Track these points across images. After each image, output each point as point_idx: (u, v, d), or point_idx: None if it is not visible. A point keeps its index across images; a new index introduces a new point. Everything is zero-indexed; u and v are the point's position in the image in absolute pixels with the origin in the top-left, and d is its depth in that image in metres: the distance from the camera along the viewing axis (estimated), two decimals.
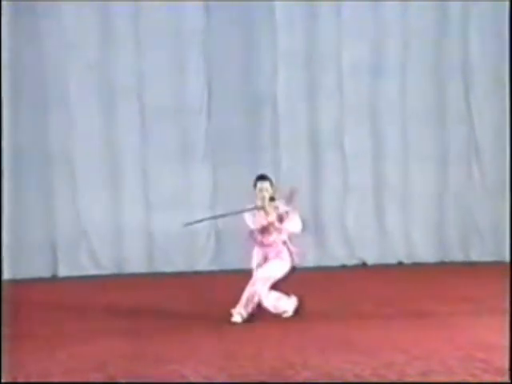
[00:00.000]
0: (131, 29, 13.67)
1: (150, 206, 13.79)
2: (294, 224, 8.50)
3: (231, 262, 13.76)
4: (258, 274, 8.50)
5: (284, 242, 8.66)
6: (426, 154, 14.40)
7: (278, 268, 8.60)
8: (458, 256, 14.40)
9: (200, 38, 13.85)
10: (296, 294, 8.94)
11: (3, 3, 12.84)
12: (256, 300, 8.45)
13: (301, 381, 5.95)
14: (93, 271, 13.60)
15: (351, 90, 14.21)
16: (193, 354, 6.96)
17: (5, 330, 8.22)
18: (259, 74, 14.02)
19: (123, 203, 13.76)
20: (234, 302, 8.55)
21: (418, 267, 13.86)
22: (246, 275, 12.95)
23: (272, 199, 8.49)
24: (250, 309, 8.44)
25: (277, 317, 8.72)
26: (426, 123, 14.41)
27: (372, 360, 6.46)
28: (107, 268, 13.70)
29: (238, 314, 8.43)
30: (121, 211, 13.78)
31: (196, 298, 10.52)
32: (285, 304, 8.69)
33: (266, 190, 8.52)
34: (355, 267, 14.06)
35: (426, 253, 14.37)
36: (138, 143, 13.81)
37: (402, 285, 11.58)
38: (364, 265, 14.24)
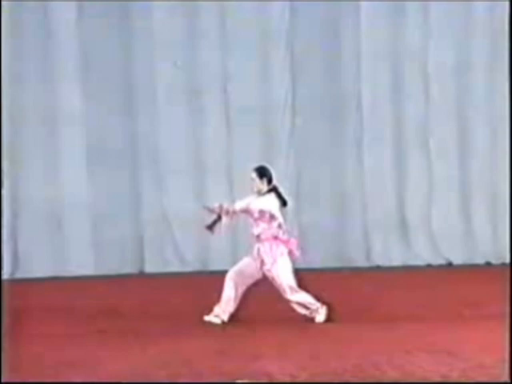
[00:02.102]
0: (217, 29, 13.79)
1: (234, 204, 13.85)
2: (258, 202, 8.28)
3: (314, 261, 13.75)
4: (284, 285, 8.34)
5: (275, 237, 8.40)
6: None
7: (287, 268, 8.38)
8: None
9: (285, 38, 13.87)
10: (382, 294, 8.87)
11: (3, 3, 13.08)
12: (306, 300, 8.38)
13: (386, 380, 5.92)
14: (178, 268, 13.77)
15: (437, 88, 14.03)
16: (278, 351, 6.98)
17: (90, 327, 8.40)
18: (344, 72, 13.97)
19: (208, 201, 13.85)
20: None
21: (506, 268, 13.56)
22: (329, 274, 12.99)
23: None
24: (315, 306, 8.39)
25: (361, 317, 8.68)
26: None
27: (459, 361, 6.37)
28: (192, 265, 13.85)
29: (318, 313, 8.38)
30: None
31: (279, 296, 10.54)
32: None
33: (253, 180, 8.44)
34: (441, 267, 13.87)
35: None
36: (224, 141, 13.92)
37: (490, 286, 11.35)
38: (450, 265, 14.04)
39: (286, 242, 8.41)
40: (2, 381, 6.00)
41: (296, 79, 13.97)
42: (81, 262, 13.51)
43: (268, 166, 8.67)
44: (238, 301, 8.47)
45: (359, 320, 8.52)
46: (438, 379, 5.89)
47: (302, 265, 13.66)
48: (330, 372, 6.14)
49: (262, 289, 11.56)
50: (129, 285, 12.64)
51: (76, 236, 13.62)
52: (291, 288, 8.37)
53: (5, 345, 7.11)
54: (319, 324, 8.33)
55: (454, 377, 5.93)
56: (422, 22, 13.98)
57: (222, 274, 13.36)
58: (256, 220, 8.37)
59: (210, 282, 12.57)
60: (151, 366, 6.45)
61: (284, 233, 8.45)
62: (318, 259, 13.76)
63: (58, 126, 13.66)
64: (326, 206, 14.00)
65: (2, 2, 13.07)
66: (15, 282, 13.11)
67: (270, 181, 8.48)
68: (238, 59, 13.75)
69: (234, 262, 13.81)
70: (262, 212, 8.31)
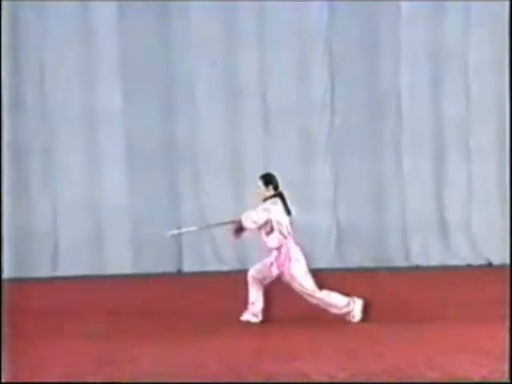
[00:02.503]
0: (256, 28, 13.81)
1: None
2: (247, 215, 8.38)
3: (353, 261, 13.71)
4: (303, 290, 8.39)
5: (278, 248, 8.48)
6: None
7: (300, 272, 8.41)
8: None
9: (324, 37, 13.85)
10: (421, 294, 8.80)
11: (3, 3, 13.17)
12: (328, 301, 8.36)
13: (424, 381, 5.87)
14: (216, 267, 13.80)
15: (477, 88, 13.89)
16: (315, 351, 6.97)
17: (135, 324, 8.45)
18: (383, 72, 13.91)
19: (246, 199, 13.85)
20: None
21: None
22: (367, 274, 12.94)
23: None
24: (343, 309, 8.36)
25: (400, 316, 8.63)
26: None
27: (500, 363, 6.29)
28: (230, 264, 13.87)
29: (351, 309, 8.35)
30: (243, 207, 13.86)
31: None
32: None
33: (259, 187, 8.53)
34: (481, 267, 13.74)
35: None
36: (262, 141, 13.93)
37: None
38: (490, 265, 13.91)
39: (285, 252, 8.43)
40: (3, 381, 6.01)
41: (334, 79, 13.94)
42: (119, 261, 13.61)
43: (274, 173, 8.71)
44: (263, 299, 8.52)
45: (397, 320, 8.47)
46: (477, 380, 5.83)
47: (340, 264, 13.77)
48: (368, 372, 6.11)
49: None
50: (167, 284, 12.70)
51: (115, 235, 13.73)
52: (312, 291, 8.36)
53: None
54: (356, 323, 8.30)
55: (493, 378, 5.87)
56: (462, 21, 13.85)
57: None
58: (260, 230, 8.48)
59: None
60: (188, 365, 6.47)
61: (286, 238, 8.44)
62: (357, 259, 13.73)
63: (97, 125, 13.79)
64: (365, 206, 13.95)
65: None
66: (55, 280, 13.28)
67: (275, 188, 8.54)
68: (276, 59, 13.76)
69: None
70: (264, 224, 8.43)
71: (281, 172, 13.72)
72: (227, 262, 13.88)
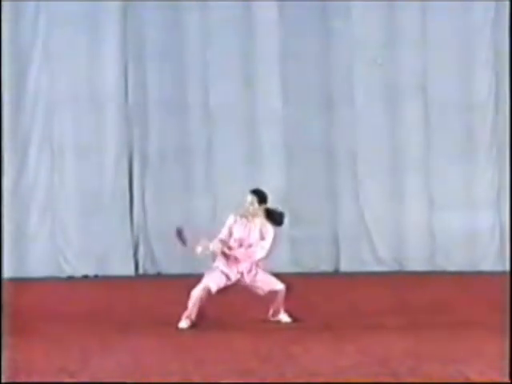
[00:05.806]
0: (417, 26, 13.61)
1: (432, 204, 13.66)
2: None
3: None
4: None
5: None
6: None
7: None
8: None
9: (488, 35, 13.47)
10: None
11: (3, 3, 13.27)
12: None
13: None
14: (374, 267, 13.72)
15: None
16: (476, 354, 6.78)
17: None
18: None
19: (405, 200, 13.76)
20: None
21: None
22: None
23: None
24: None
25: None
26: None
27: None
28: (388, 265, 13.75)
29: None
30: (403, 208, 13.78)
31: (476, 299, 10.26)
32: None
33: (252, 203, 8.39)
34: None
35: None
36: (422, 140, 13.74)
37: None
38: None
39: None
40: (2, 381, 6.00)
41: (499, 77, 13.53)
42: (278, 260, 13.72)
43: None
44: None
45: None
46: None
47: (503, 267, 13.33)
48: None
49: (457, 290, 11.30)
50: (323, 283, 12.73)
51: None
52: None
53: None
54: None
55: None
56: None
57: (419, 274, 13.30)
58: None
59: (406, 282, 12.51)
60: (348, 364, 6.46)
61: None
62: None
63: (257, 125, 13.98)
64: None
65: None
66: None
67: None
68: (438, 57, 13.52)
69: (432, 263, 13.72)
70: None
71: (441, 171, 13.62)
72: (385, 263, 13.77)
